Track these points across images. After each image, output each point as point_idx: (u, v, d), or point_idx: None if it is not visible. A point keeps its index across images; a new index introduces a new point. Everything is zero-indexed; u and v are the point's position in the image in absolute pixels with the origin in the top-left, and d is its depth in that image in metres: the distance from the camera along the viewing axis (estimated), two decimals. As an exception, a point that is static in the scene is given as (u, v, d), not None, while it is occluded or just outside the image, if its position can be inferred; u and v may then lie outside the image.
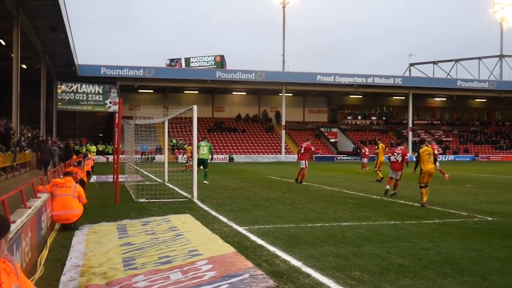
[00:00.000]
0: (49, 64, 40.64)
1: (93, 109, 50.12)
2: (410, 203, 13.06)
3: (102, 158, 45.78)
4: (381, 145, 23.22)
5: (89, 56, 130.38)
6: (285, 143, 54.84)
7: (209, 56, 60.70)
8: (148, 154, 43.56)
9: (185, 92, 58.47)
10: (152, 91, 57.93)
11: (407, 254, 6.98)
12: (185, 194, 14.84)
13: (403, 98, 62.43)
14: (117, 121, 15.98)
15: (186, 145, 38.67)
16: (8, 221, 3.10)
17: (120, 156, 19.26)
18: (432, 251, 7.23)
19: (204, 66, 59.41)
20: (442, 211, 11.73)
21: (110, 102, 48.91)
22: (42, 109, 39.43)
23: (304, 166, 19.51)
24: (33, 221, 6.73)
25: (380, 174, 21.41)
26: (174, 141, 46.79)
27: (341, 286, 5.46)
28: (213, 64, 59.45)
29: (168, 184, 18.44)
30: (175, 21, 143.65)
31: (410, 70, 74.93)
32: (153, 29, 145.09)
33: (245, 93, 61.26)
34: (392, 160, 15.01)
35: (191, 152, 15.51)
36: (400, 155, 14.79)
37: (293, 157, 48.35)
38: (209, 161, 20.20)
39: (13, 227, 5.34)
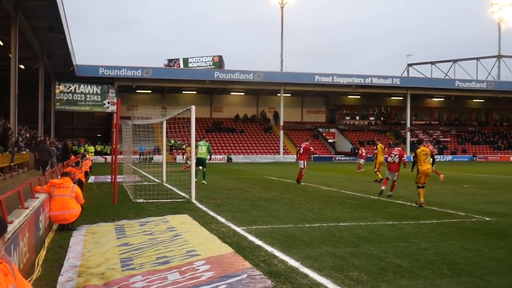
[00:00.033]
0: (47, 65, 40.60)
1: (91, 109, 50.05)
2: (408, 204, 13.07)
3: (100, 159, 45.76)
4: (380, 145, 23.21)
5: (88, 56, 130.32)
6: (283, 144, 54.87)
7: (207, 57, 60.74)
8: (146, 155, 43.56)
9: (183, 92, 58.45)
10: (150, 91, 57.89)
11: (405, 254, 6.99)
12: (183, 194, 14.84)
13: (401, 98, 62.50)
14: (115, 122, 15.98)
15: (185, 146, 38.68)
16: (5, 221, 3.10)
17: (118, 156, 19.25)
18: (429, 251, 7.24)
19: (202, 66, 59.44)
20: (440, 211, 11.75)
21: (108, 103, 48.85)
22: (40, 110, 39.41)
23: (302, 167, 19.52)
24: (31, 221, 6.72)
25: (379, 175, 21.42)
26: (172, 141, 46.76)
27: (339, 286, 5.47)
28: (211, 64, 59.49)
29: (166, 185, 18.44)
30: (173, 22, 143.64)
31: (408, 71, 74.98)
32: (151, 30, 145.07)
33: (243, 94, 61.28)
34: (389, 161, 15.00)
35: (191, 153, 15.51)
36: (397, 156, 14.77)
37: (291, 158, 48.38)
38: (207, 160, 20.19)
39: (11, 228, 5.34)
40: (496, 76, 69.02)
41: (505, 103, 66.48)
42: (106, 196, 14.63)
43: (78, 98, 48.49)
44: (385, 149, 25.56)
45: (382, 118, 67.94)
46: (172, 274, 5.93)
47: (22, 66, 35.07)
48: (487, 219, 10.55)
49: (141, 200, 13.46)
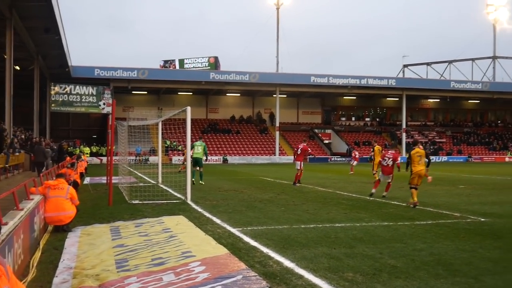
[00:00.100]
0: (43, 66, 40.49)
1: (87, 110, 49.91)
2: (403, 204, 13.09)
3: (95, 160, 45.63)
4: (377, 147, 23.17)
5: (84, 57, 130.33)
6: (279, 145, 54.86)
7: (203, 58, 60.70)
8: (142, 156, 43.50)
9: (179, 93, 58.39)
10: (146, 92, 57.80)
11: (400, 255, 7.00)
12: (178, 195, 14.82)
13: (397, 99, 62.66)
14: (110, 123, 15.95)
15: (181, 147, 38.62)
16: (-1, 223, 3.09)
17: (114, 157, 19.22)
18: (424, 252, 7.26)
19: (198, 67, 59.39)
20: (435, 212, 11.78)
21: (104, 104, 48.73)
22: (35, 111, 39.24)
23: (299, 168, 19.53)
24: (26, 223, 6.70)
25: (377, 177, 21.39)
26: (168, 142, 46.70)
27: (334, 287, 5.48)
28: (207, 65, 59.45)
29: (161, 186, 18.41)
30: (169, 22, 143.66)
31: (403, 72, 75.25)
32: (148, 30, 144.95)
33: (239, 95, 61.28)
34: (383, 164, 14.97)
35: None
36: (391, 159, 14.72)
37: (287, 159, 48.42)
38: (203, 161, 20.17)
39: (5, 229, 5.33)
40: (491, 77, 69.38)
41: (500, 104, 66.77)
42: (102, 197, 14.58)
43: (74, 99, 48.35)
44: (383, 151, 25.57)
45: (377, 119, 68.09)
46: (167, 275, 5.93)
47: (17, 67, 34.90)
48: (482, 219, 10.59)
49: (136, 201, 13.44)
